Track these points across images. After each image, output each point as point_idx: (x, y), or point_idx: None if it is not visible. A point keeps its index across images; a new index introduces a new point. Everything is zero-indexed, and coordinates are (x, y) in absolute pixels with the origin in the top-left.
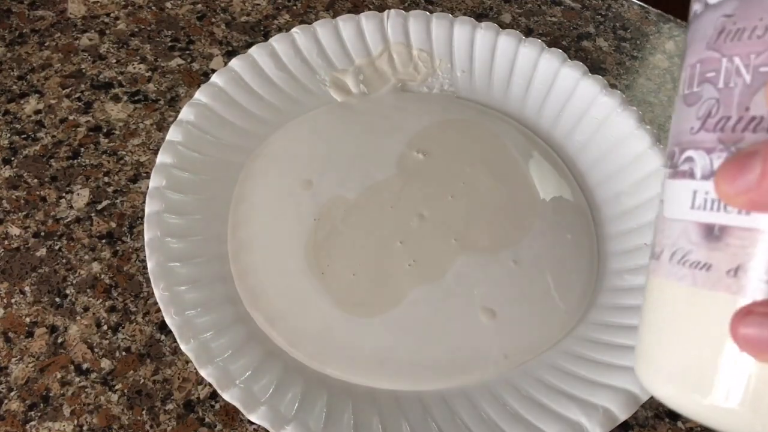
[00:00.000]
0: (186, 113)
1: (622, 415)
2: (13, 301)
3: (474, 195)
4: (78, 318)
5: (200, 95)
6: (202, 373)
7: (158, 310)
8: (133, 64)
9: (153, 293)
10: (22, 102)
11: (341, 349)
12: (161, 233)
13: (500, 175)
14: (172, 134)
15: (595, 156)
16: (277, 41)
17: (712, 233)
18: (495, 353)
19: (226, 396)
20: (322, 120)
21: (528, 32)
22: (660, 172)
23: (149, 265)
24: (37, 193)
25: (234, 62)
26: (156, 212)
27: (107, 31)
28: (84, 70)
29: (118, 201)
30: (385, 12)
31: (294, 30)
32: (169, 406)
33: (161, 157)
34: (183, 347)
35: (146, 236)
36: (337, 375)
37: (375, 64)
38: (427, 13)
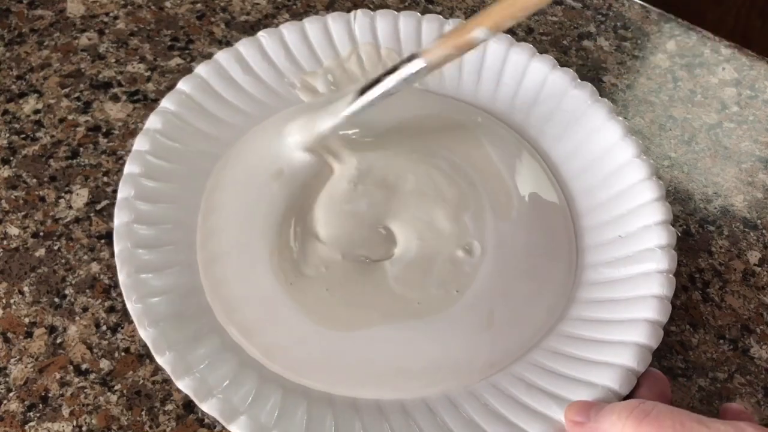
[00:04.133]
0: (152, 121)
1: None
2: (12, 301)
3: (450, 187)
4: (77, 318)
5: (166, 103)
6: (179, 384)
7: None
8: (132, 64)
9: None
10: (21, 102)
11: (317, 360)
12: (131, 245)
13: (476, 169)
14: (139, 143)
15: (569, 149)
16: (243, 45)
17: None
18: (482, 362)
19: (205, 407)
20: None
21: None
22: (631, 163)
23: (120, 277)
24: (36, 193)
25: (200, 68)
26: (125, 223)
27: (106, 31)
28: (83, 70)
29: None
30: (352, 12)
31: (260, 34)
32: (169, 407)
33: (128, 167)
34: (158, 360)
35: (116, 248)
36: (317, 386)
37: (344, 65)
38: (395, 12)
